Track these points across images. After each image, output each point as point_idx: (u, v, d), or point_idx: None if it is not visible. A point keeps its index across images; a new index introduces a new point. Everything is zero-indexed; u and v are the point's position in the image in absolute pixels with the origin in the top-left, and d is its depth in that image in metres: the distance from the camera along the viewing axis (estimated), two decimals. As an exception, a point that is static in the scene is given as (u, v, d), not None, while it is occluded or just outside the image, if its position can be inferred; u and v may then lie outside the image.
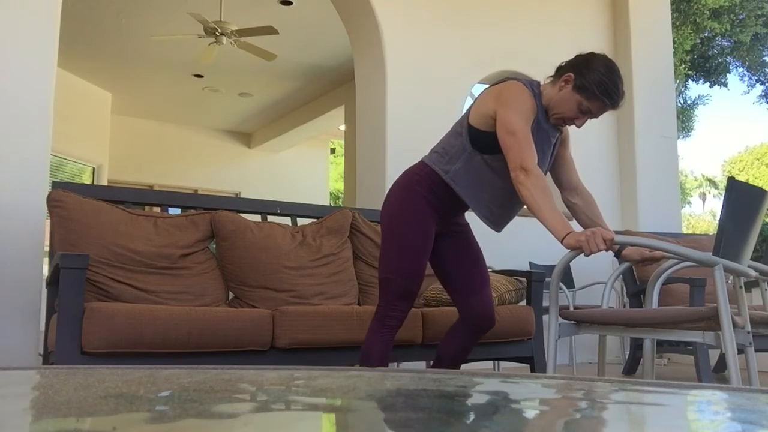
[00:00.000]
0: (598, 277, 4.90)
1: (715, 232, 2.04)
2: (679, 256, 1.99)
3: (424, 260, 2.20)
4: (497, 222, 2.24)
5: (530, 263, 4.78)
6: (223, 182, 10.00)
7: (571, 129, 4.14)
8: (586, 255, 1.89)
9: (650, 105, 5.60)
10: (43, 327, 2.81)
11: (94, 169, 8.32)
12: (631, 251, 2.15)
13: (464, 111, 2.28)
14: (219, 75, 7.98)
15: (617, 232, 2.16)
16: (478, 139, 2.15)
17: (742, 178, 22.60)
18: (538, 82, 2.22)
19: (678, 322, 1.96)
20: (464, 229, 2.39)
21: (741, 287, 2.10)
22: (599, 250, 1.89)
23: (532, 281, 3.18)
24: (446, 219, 2.30)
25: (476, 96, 2.24)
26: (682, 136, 12.63)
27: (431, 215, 2.21)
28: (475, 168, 2.16)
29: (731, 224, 1.95)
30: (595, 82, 2.07)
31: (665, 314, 1.98)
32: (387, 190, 2.33)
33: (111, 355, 2.24)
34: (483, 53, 4.95)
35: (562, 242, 1.92)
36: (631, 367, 4.18)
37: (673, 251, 1.95)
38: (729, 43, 12.07)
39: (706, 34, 11.35)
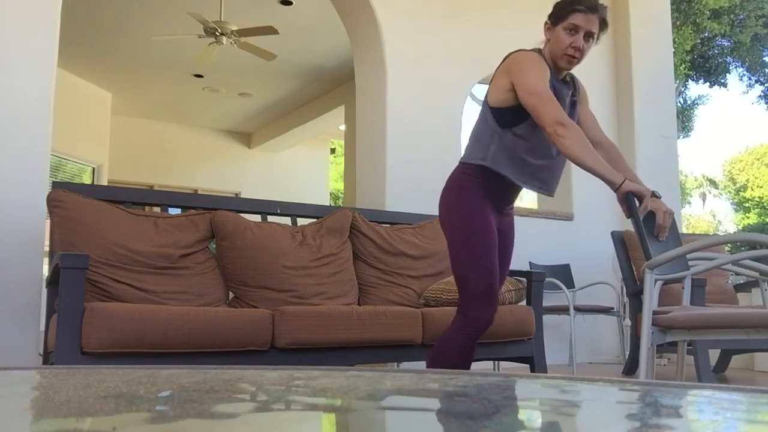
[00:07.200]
0: (598, 277, 4.89)
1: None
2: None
3: (494, 252, 2.19)
4: (549, 187, 2.27)
5: (530, 263, 4.77)
6: (223, 182, 9.98)
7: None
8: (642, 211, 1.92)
9: (650, 105, 5.60)
10: (43, 327, 2.81)
11: (94, 169, 8.31)
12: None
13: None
14: (219, 75, 7.97)
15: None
16: (503, 118, 2.18)
17: (742, 178, 22.56)
18: (539, 48, 2.27)
19: None
20: (509, 221, 2.38)
21: None
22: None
23: (532, 281, 3.19)
24: (502, 208, 2.31)
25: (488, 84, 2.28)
26: (682, 136, 12.63)
27: (490, 209, 2.23)
28: (508, 145, 2.19)
29: None
30: (560, 3, 2.20)
31: None
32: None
33: (111, 355, 2.24)
34: (483, 53, 4.94)
35: (619, 188, 1.95)
36: (631, 367, 4.18)
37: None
38: (729, 44, 12.08)
39: (706, 35, 11.35)
